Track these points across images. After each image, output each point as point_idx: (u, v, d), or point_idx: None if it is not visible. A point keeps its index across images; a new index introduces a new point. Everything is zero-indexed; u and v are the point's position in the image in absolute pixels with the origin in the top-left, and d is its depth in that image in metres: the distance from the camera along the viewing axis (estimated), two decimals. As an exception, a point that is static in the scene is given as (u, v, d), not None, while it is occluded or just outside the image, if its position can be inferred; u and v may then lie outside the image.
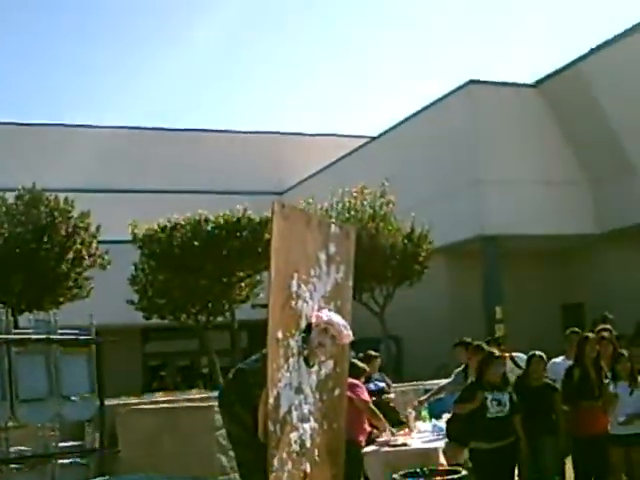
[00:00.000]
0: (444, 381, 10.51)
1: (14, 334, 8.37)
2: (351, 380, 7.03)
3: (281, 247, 5.24)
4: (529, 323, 24.20)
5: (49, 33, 61.33)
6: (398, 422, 9.42)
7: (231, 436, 5.49)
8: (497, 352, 8.00)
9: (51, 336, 8.50)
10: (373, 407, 8.18)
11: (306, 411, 5.51)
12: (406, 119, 29.03)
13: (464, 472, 6.57)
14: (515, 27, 61.19)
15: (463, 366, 9.40)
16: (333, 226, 6.10)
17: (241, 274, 21.31)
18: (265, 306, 5.32)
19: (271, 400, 5.07)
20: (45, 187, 21.57)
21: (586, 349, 8.38)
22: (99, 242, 21.72)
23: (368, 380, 9.68)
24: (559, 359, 9.21)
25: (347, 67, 66.11)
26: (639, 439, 7.66)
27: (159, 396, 16.37)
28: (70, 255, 20.67)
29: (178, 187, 33.99)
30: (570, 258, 27.74)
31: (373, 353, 10.30)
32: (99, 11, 58.61)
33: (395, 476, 6.47)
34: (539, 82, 26.92)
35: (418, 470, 6.56)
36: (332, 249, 5.89)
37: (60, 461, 8.36)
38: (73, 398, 8.55)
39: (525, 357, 8.59)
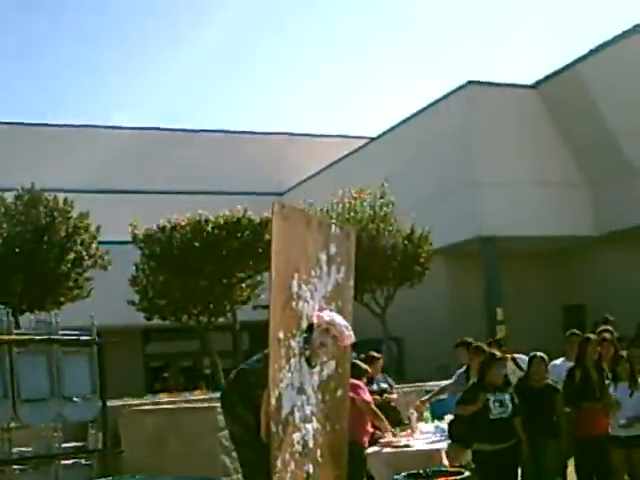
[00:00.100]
0: (445, 382, 10.51)
1: (15, 334, 8.36)
2: (353, 381, 7.04)
3: (281, 248, 5.24)
4: (530, 324, 24.22)
5: (51, 32, 61.44)
6: (399, 422, 9.43)
7: (234, 437, 5.49)
8: (499, 353, 8.01)
9: (52, 337, 8.50)
10: (375, 408, 8.18)
11: (308, 412, 5.51)
12: (405, 120, 29.06)
13: (467, 473, 6.57)
14: (514, 28, 61.29)
15: (465, 367, 9.40)
16: (333, 227, 6.10)
17: (241, 275, 21.30)
18: (267, 307, 5.32)
19: (273, 401, 5.07)
20: (44, 187, 21.57)
21: (587, 350, 8.38)
22: (99, 243, 21.73)
23: (371, 381, 9.68)
24: (559, 361, 9.20)
25: (347, 67, 66.23)
26: (640, 441, 7.68)
27: (162, 397, 16.39)
28: (70, 256, 20.68)
29: (178, 188, 33.98)
30: (569, 259, 27.77)
31: (375, 354, 10.29)
32: (102, 11, 58.73)
33: (397, 477, 6.47)
34: (538, 83, 26.95)
35: (421, 471, 6.56)
36: (333, 250, 5.89)
37: (63, 462, 8.35)
38: (75, 399, 8.55)
39: (526, 358, 8.58)
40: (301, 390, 5.43)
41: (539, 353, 8.26)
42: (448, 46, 65.18)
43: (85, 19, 59.18)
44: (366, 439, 8.19)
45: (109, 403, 9.38)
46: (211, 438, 9.31)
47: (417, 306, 25.65)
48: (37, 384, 8.20)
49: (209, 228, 20.69)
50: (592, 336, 8.71)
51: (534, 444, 7.55)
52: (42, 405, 8.24)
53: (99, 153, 34.40)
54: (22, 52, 59.38)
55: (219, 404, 5.88)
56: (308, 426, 5.49)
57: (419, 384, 12.78)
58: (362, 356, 9.99)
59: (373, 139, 32.13)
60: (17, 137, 34.28)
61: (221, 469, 9.08)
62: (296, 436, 5.33)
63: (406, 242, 21.77)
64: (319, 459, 5.56)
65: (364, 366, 8.80)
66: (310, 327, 5.47)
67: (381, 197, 22.13)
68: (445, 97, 26.75)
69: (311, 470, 5.45)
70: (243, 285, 21.75)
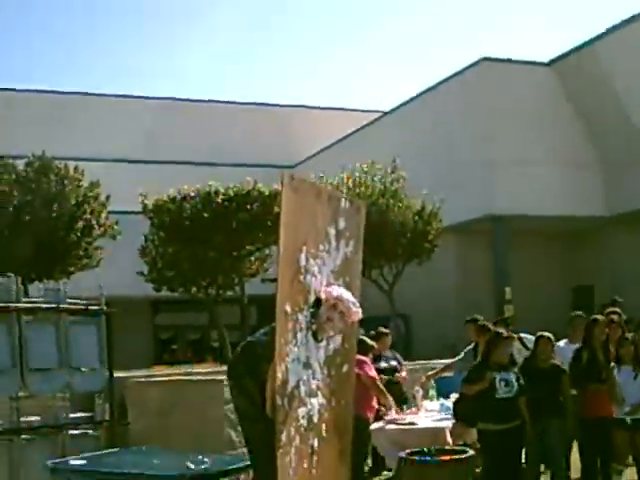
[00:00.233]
0: (453, 360, 10.49)
1: (24, 303, 8.35)
2: (358, 357, 7.04)
3: (290, 220, 5.18)
4: (539, 304, 24.18)
5: (62, 36, 61.23)
6: (403, 401, 9.44)
7: (239, 410, 5.48)
8: (505, 332, 7.98)
9: (60, 305, 8.48)
10: (380, 384, 8.19)
11: (314, 386, 5.49)
12: (417, 95, 28.86)
13: (471, 452, 6.58)
14: (531, 5, 60.64)
15: (473, 344, 9.39)
16: (343, 200, 6.02)
17: (250, 248, 21.28)
18: (275, 280, 5.29)
19: (279, 374, 5.06)
20: (55, 155, 21.53)
21: (595, 332, 8.36)
22: (109, 212, 21.73)
23: (379, 358, 9.69)
24: (562, 343, 9.15)
25: (362, 41, 65.83)
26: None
27: (169, 369, 16.45)
28: (80, 224, 20.69)
29: (188, 158, 33.93)
30: (580, 240, 27.64)
31: (384, 330, 10.30)
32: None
33: (402, 454, 6.49)
34: (553, 61, 26.68)
35: (425, 449, 6.57)
36: (342, 224, 5.83)
37: (70, 432, 8.37)
38: (83, 369, 8.57)
39: (533, 338, 8.56)
40: (307, 364, 5.41)
41: (546, 333, 8.23)
42: (464, 23, 64.71)
43: None
44: (371, 415, 8.21)
45: (116, 374, 9.41)
46: (217, 411, 9.33)
47: (425, 283, 25.64)
48: (45, 353, 8.20)
49: (219, 199, 20.65)
50: (600, 317, 8.69)
51: (539, 424, 7.54)
52: (50, 375, 8.25)
53: (110, 122, 34.36)
54: (37, 20, 59.22)
55: (225, 377, 5.88)
56: (313, 400, 5.48)
57: (426, 361, 12.77)
58: (372, 333, 10.01)
59: (386, 113, 31.95)
60: (28, 104, 34.23)
61: (227, 442, 9.10)
62: (301, 410, 5.33)
63: (416, 218, 21.71)
64: (324, 434, 5.56)
65: (370, 342, 8.80)
66: (318, 301, 5.45)
67: (392, 172, 22.04)
68: (459, 73, 26.53)
69: (316, 444, 5.45)
70: (252, 258, 21.76)
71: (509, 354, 7.72)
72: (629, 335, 8.26)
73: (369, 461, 9.38)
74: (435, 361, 12.25)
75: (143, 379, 11.44)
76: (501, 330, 8.08)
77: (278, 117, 38.42)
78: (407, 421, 8.27)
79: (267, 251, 21.35)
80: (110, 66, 61.63)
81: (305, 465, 5.32)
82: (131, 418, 10.05)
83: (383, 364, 9.77)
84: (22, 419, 8.04)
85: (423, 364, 12.14)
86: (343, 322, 5.50)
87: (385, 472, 9.41)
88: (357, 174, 22.03)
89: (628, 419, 7.72)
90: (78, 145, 30.79)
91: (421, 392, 9.25)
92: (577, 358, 8.36)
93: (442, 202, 21.81)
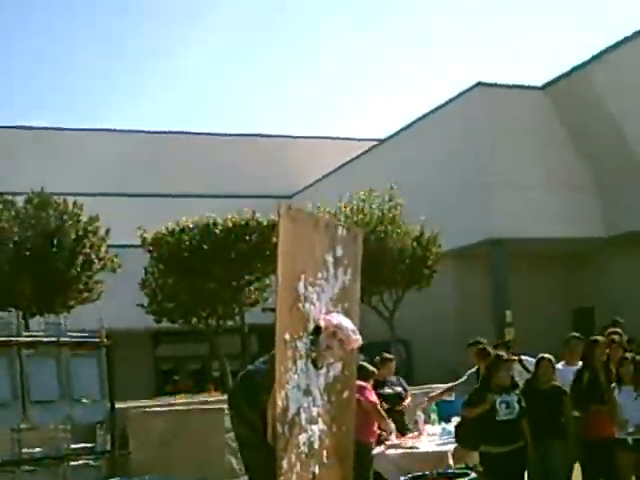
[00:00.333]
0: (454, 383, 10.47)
1: (25, 337, 8.41)
2: (359, 382, 7.05)
3: (288, 249, 5.24)
4: (539, 327, 24.13)
5: (64, 35, 61.66)
6: (404, 429, 9.42)
7: (239, 438, 5.49)
8: (505, 355, 8.00)
9: (61, 339, 8.54)
10: (380, 409, 8.20)
11: (315, 413, 5.51)
12: (413, 122, 29.04)
13: (473, 475, 6.58)
14: (524, 29, 61.17)
15: (476, 367, 9.39)
16: (340, 228, 6.07)
17: (250, 278, 21.33)
18: (275, 309, 5.33)
19: (279, 402, 5.08)
20: (54, 191, 21.66)
21: (595, 353, 8.37)
22: (109, 246, 21.81)
23: (383, 383, 9.68)
24: (559, 365, 9.14)
25: (355, 69, 66.23)
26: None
27: (171, 399, 16.43)
28: (80, 259, 20.76)
29: (186, 191, 34.05)
30: (580, 262, 27.68)
31: (388, 355, 10.29)
32: (106, 13, 58.87)
33: (403, 479, 6.50)
34: (547, 85, 26.88)
35: (427, 473, 6.57)
36: (339, 251, 5.88)
37: (72, 463, 8.40)
38: (84, 400, 8.61)
39: (534, 360, 8.56)
40: (307, 391, 5.43)
41: (547, 355, 8.24)
42: (457, 48, 65.18)
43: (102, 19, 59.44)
44: (372, 440, 8.21)
45: (117, 405, 9.44)
46: (218, 440, 9.33)
47: (425, 309, 25.62)
48: (46, 386, 8.25)
49: (217, 231, 20.73)
50: (600, 338, 8.69)
51: (541, 445, 7.54)
52: (51, 406, 8.29)
53: (108, 157, 34.52)
54: (30, 53, 59.66)
55: (226, 406, 5.90)
56: (314, 427, 5.49)
57: (428, 386, 12.76)
58: (376, 358, 10.00)
59: (382, 141, 32.12)
60: (26, 141, 34.43)
61: (228, 470, 9.11)
62: (302, 437, 5.34)
63: (415, 245, 21.76)
64: (325, 460, 5.56)
65: (371, 368, 8.81)
66: (317, 329, 5.48)
67: (390, 199, 22.13)
68: (454, 99, 26.72)
69: (317, 471, 5.45)
70: (251, 288, 21.80)
71: (510, 376, 7.72)
72: (629, 355, 8.26)
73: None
74: (436, 386, 12.24)
75: (144, 409, 11.45)
76: (502, 353, 8.10)
77: (275, 147, 38.61)
78: (409, 445, 8.27)
79: (267, 281, 21.41)
80: (106, 101, 61.93)
81: (307, 491, 5.33)
82: (132, 448, 10.07)
83: (387, 390, 9.72)
84: (24, 450, 8.07)
85: (426, 388, 12.11)
86: (342, 350, 5.53)
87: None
88: (355, 202, 22.12)
89: (630, 439, 7.71)
90: (76, 180, 30.92)
91: (422, 417, 9.24)
92: (578, 379, 8.36)
93: (440, 230, 21.89)
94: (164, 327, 23.24)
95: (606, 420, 7.98)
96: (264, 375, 5.28)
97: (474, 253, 25.89)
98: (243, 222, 20.96)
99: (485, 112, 25.76)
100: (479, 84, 25.74)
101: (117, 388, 9.26)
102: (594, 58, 25.20)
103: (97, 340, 9.00)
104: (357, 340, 5.55)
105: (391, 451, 8.22)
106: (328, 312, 5.61)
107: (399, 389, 9.98)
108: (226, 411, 5.88)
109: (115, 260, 21.89)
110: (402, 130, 29.79)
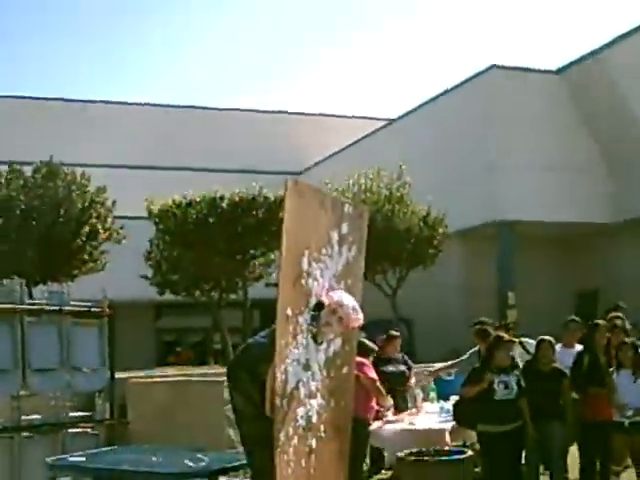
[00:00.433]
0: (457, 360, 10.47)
1: (28, 305, 8.45)
2: (358, 359, 7.07)
3: (293, 224, 5.24)
4: (542, 309, 24.10)
5: (79, 7, 61.47)
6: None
7: (237, 410, 5.51)
8: (506, 336, 8.00)
9: (63, 307, 8.58)
10: (379, 386, 8.21)
11: (313, 388, 5.53)
12: (425, 103, 28.96)
13: (470, 453, 6.61)
14: (540, 13, 60.71)
15: (478, 347, 9.39)
16: (347, 205, 6.07)
17: (254, 252, 21.35)
18: (278, 284, 5.34)
19: (279, 375, 5.10)
20: (62, 161, 21.67)
21: (596, 336, 8.40)
22: (115, 217, 21.86)
23: (388, 361, 9.68)
24: (557, 347, 9.14)
25: (370, 49, 65.95)
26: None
27: (171, 370, 16.52)
28: (86, 229, 20.81)
29: (195, 164, 34.06)
30: (584, 246, 27.64)
31: (394, 333, 10.29)
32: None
33: (400, 455, 6.52)
34: (561, 69, 26.75)
35: (424, 450, 6.60)
36: (345, 229, 5.88)
37: (70, 430, 8.46)
38: (84, 369, 8.66)
39: (534, 342, 8.57)
40: (307, 366, 5.45)
41: (547, 337, 8.26)
42: (473, 30, 64.81)
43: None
44: (370, 416, 8.23)
45: (118, 375, 9.50)
46: (217, 411, 9.37)
47: (429, 288, 25.65)
48: (47, 354, 8.29)
49: (224, 205, 20.73)
50: (601, 322, 8.71)
51: (540, 427, 7.56)
52: (52, 374, 8.33)
53: (117, 129, 34.52)
54: (47, 27, 59.49)
55: (225, 378, 5.91)
56: (312, 402, 5.51)
57: (429, 365, 12.75)
58: (383, 336, 10.00)
59: (392, 121, 32.03)
60: (36, 111, 34.43)
61: (226, 441, 9.14)
62: (300, 411, 5.36)
63: (421, 224, 21.77)
64: (322, 434, 5.59)
65: (371, 345, 8.81)
66: (318, 305, 5.48)
67: (398, 179, 22.11)
68: (468, 80, 26.63)
69: (314, 445, 5.48)
70: (256, 262, 21.82)
71: (510, 357, 7.74)
72: (629, 339, 8.27)
73: (368, 461, 9.39)
74: (438, 364, 12.24)
75: (144, 379, 11.51)
76: (502, 334, 8.10)
77: (286, 124, 38.54)
78: (406, 422, 8.30)
79: (272, 256, 21.43)
80: (118, 73, 61.82)
81: (303, 464, 5.35)
82: (131, 417, 10.13)
83: (391, 368, 9.72)
84: (23, 417, 8.11)
85: (427, 366, 12.11)
86: (342, 327, 5.53)
87: (384, 471, 9.44)
88: (363, 180, 22.10)
89: (626, 422, 7.74)
90: (85, 151, 30.92)
91: (421, 394, 9.27)
92: (578, 362, 8.38)
93: (447, 211, 21.87)
94: (167, 299, 23.32)
95: (604, 403, 8.00)
96: (263, 348, 5.29)
97: (479, 234, 25.88)
98: (250, 197, 20.95)
99: (497, 94, 25.68)
100: (494, 66, 25.63)
101: (119, 358, 9.31)
102: (609, 44, 25.05)
103: (99, 310, 9.03)
104: (357, 319, 5.55)
105: (388, 427, 8.25)
106: (331, 288, 5.61)
107: (403, 367, 9.97)
108: (225, 383, 5.89)
109: (120, 232, 21.93)
110: (413, 111, 29.70)
